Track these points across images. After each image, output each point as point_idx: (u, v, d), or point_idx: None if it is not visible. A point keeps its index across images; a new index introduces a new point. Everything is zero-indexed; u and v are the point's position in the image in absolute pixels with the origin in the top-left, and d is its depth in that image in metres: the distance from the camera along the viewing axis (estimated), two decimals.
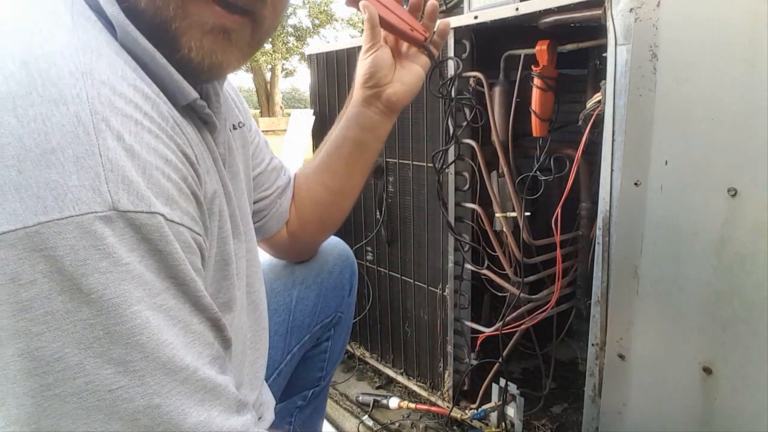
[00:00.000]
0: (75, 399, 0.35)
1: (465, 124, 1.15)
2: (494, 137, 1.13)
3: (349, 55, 1.41)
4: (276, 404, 0.79)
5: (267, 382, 0.80)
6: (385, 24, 0.77)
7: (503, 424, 1.21)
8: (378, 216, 1.42)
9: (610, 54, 0.85)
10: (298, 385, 0.96)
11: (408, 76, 0.81)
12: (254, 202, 0.77)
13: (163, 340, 0.37)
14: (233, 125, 0.63)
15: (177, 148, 0.43)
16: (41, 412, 0.34)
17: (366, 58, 0.77)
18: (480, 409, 1.24)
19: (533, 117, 1.06)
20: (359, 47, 1.36)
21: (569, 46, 1.02)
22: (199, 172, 0.46)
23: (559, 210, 1.01)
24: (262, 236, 0.84)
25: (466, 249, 1.23)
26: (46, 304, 0.34)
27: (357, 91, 0.80)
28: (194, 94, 0.49)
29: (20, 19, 0.39)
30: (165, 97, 0.45)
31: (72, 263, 0.34)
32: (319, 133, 1.59)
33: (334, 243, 1.00)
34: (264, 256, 0.85)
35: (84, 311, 0.35)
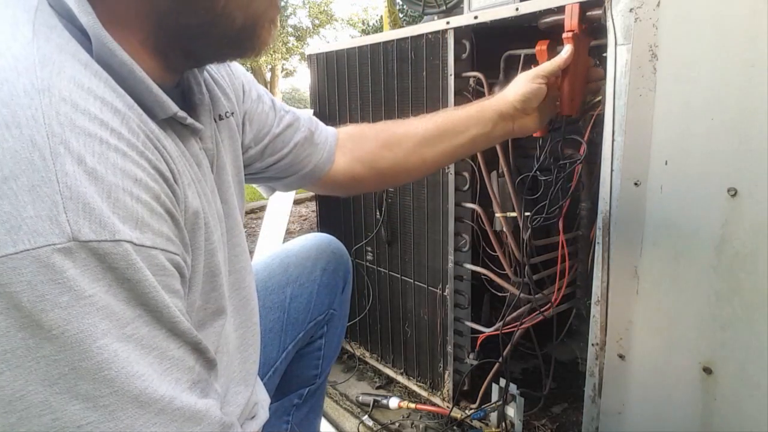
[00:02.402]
0: None
1: None
2: None
3: (349, 55, 1.41)
4: (271, 402, 0.79)
5: (263, 380, 0.80)
6: (565, 77, 0.89)
7: (503, 424, 1.21)
8: (378, 216, 1.42)
9: (610, 54, 0.85)
10: (293, 383, 0.96)
11: (540, 116, 0.89)
12: (273, 164, 0.77)
13: (133, 373, 0.36)
14: (219, 115, 0.61)
15: (149, 165, 0.40)
16: None
17: (535, 83, 0.84)
18: (480, 409, 1.24)
19: None
20: (359, 47, 1.37)
21: None
22: (176, 188, 0.44)
23: (564, 211, 1.01)
24: (301, 186, 0.84)
25: (466, 249, 1.23)
26: (4, 342, 0.32)
27: (504, 101, 0.85)
28: (173, 108, 0.47)
29: None
30: (140, 109, 0.43)
31: (29, 299, 0.32)
32: None
33: (327, 241, 1.00)
34: (257, 256, 0.85)
35: (46, 348, 0.33)
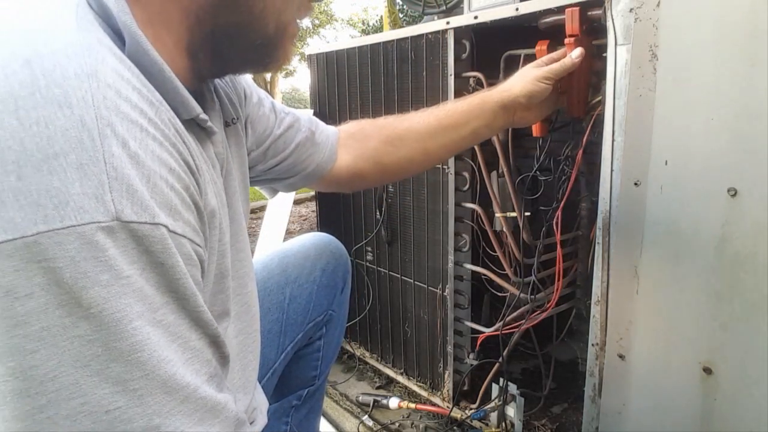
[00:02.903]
0: (69, 422, 0.33)
1: None
2: (494, 137, 1.13)
3: (349, 55, 1.41)
4: (270, 404, 0.78)
5: (261, 382, 0.80)
6: (572, 78, 0.91)
7: (503, 424, 1.21)
8: (378, 216, 1.42)
9: (610, 54, 0.85)
10: (292, 385, 0.96)
11: (541, 109, 0.92)
12: (275, 166, 0.78)
13: (163, 357, 0.36)
14: (226, 121, 0.62)
15: (180, 157, 0.42)
16: None
17: (543, 83, 0.85)
18: (480, 409, 1.24)
19: None
20: (359, 47, 1.37)
21: None
22: (201, 183, 0.45)
23: (559, 212, 1.01)
24: (305, 185, 0.86)
25: (465, 249, 1.23)
26: (42, 318, 0.32)
27: (507, 95, 0.85)
28: (198, 110, 0.48)
29: (24, 18, 0.38)
30: (167, 106, 0.44)
31: (72, 276, 0.33)
32: None
33: (327, 241, 0.99)
34: (256, 256, 0.85)
35: (82, 326, 0.33)
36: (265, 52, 0.54)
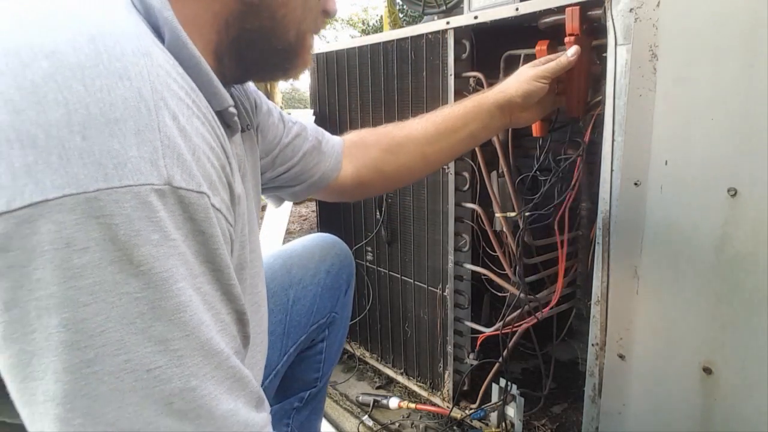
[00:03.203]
0: (113, 378, 0.34)
1: None
2: (494, 137, 1.13)
3: (349, 55, 1.41)
4: (272, 406, 0.78)
5: (264, 384, 0.80)
6: (572, 78, 0.91)
7: (503, 424, 1.21)
8: (378, 216, 1.42)
9: (610, 54, 0.85)
10: (294, 387, 0.96)
11: (538, 109, 0.92)
12: (282, 174, 0.80)
13: (203, 321, 0.38)
14: (242, 127, 0.64)
15: (217, 139, 0.44)
16: (77, 392, 0.34)
17: (539, 83, 0.86)
18: (480, 409, 1.24)
19: None
20: (359, 47, 1.37)
21: None
22: (233, 166, 0.47)
23: (561, 211, 1.01)
24: (310, 194, 0.88)
25: (465, 249, 1.23)
26: (96, 273, 0.34)
27: (503, 96, 0.86)
28: (230, 101, 0.50)
29: (84, 5, 0.40)
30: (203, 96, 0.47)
31: (126, 233, 0.34)
32: None
33: (332, 242, 0.99)
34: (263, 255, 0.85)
35: (132, 284, 0.35)
36: (286, 58, 0.57)
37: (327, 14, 0.60)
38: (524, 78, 0.86)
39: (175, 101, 0.39)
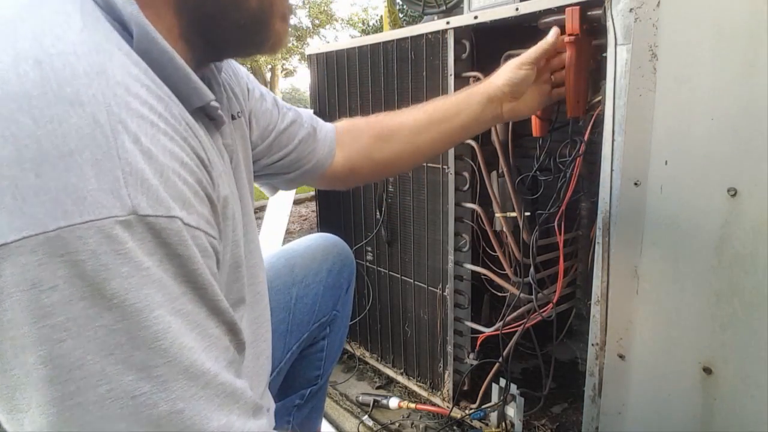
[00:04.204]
0: (97, 407, 0.34)
1: None
2: (494, 137, 1.13)
3: (349, 55, 1.41)
4: (275, 403, 0.79)
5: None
6: (569, 79, 0.90)
7: (503, 424, 1.21)
8: (378, 216, 1.42)
9: (610, 54, 0.85)
10: (295, 384, 0.96)
11: (531, 101, 0.90)
12: (278, 160, 0.79)
13: (185, 344, 0.37)
14: (232, 115, 0.63)
15: (191, 151, 0.42)
16: (64, 421, 0.34)
17: (522, 69, 0.85)
18: (480, 409, 1.24)
19: (533, 117, 1.06)
20: (359, 47, 1.37)
21: None
22: (213, 175, 0.46)
23: (561, 210, 1.01)
24: (304, 182, 0.87)
25: (466, 249, 1.23)
26: (67, 309, 0.33)
27: (492, 86, 0.86)
28: (210, 96, 0.49)
29: (30, 19, 0.38)
30: (177, 99, 0.44)
31: (93, 268, 0.34)
32: None
33: (333, 242, 1.00)
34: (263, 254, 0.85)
35: (106, 317, 0.34)
36: (254, 31, 0.53)
37: None
38: (509, 67, 0.86)
39: (137, 121, 0.37)
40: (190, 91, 0.46)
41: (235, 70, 0.70)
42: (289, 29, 0.56)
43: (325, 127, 0.86)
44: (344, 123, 0.90)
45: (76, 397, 0.34)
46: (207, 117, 0.51)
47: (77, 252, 0.33)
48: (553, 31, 0.87)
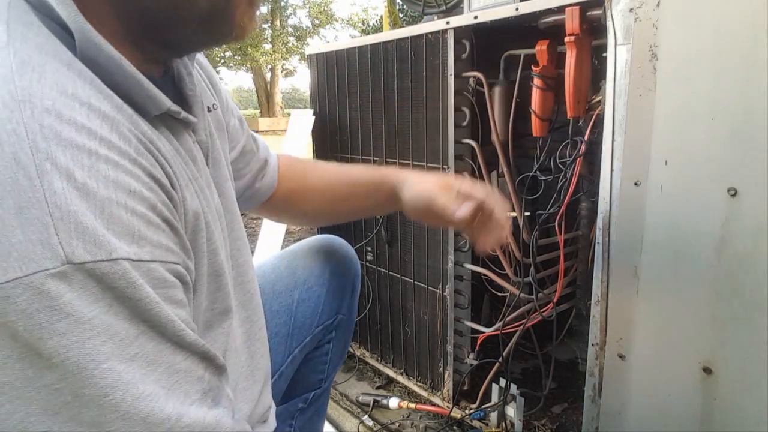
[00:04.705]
0: None
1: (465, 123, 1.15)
2: (494, 137, 1.13)
3: (349, 55, 1.41)
4: (277, 406, 0.78)
5: None
6: (570, 80, 0.93)
7: (503, 424, 1.21)
8: (378, 216, 1.42)
9: (610, 54, 0.85)
10: (299, 388, 0.95)
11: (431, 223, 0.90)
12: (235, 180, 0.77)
13: (139, 394, 0.35)
14: (207, 107, 0.59)
15: (143, 173, 0.38)
16: None
17: (429, 213, 0.75)
18: (480, 409, 1.24)
19: (533, 117, 1.06)
20: (359, 47, 1.36)
21: None
22: (174, 193, 0.42)
23: (561, 211, 1.01)
24: (243, 207, 0.85)
25: (465, 249, 1.23)
26: (3, 373, 0.31)
27: (399, 191, 0.79)
28: (167, 103, 0.45)
29: None
30: (130, 109, 0.41)
31: (26, 328, 0.31)
32: (319, 133, 1.59)
33: (338, 244, 0.98)
34: (257, 256, 0.85)
35: (47, 377, 0.32)
36: (211, 28, 0.46)
37: None
38: (423, 199, 0.75)
39: (70, 153, 0.33)
40: (144, 99, 0.42)
41: (207, 70, 0.66)
42: (257, 14, 0.49)
43: (273, 156, 0.85)
44: (285, 158, 0.88)
45: None
46: (172, 118, 0.48)
47: (6, 313, 0.31)
48: (465, 209, 0.71)
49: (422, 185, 0.77)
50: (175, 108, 0.46)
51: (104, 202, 0.34)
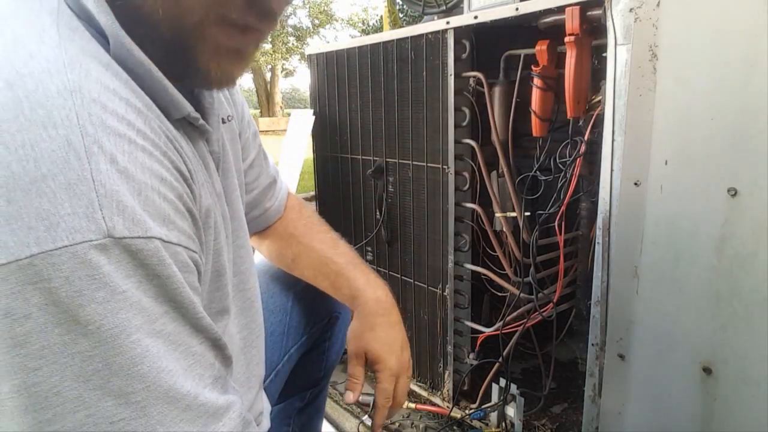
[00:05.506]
0: None
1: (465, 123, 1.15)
2: (494, 137, 1.13)
3: (349, 55, 1.41)
4: (274, 406, 0.78)
5: (264, 383, 0.80)
6: (570, 80, 0.94)
7: (503, 424, 1.21)
8: (378, 216, 1.42)
9: (610, 54, 0.85)
10: (296, 386, 0.96)
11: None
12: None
13: (163, 368, 0.37)
14: (222, 119, 0.62)
15: (171, 165, 0.41)
16: None
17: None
18: (480, 409, 1.24)
19: (533, 117, 1.06)
20: (359, 47, 1.37)
21: None
22: (194, 188, 0.45)
23: (561, 211, 1.01)
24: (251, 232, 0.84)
25: (466, 249, 1.23)
26: (42, 338, 0.33)
27: (352, 314, 0.83)
28: (188, 108, 0.47)
29: (0, 34, 0.37)
30: (158, 110, 0.43)
31: (68, 295, 0.33)
32: (319, 133, 1.59)
33: None
34: (258, 257, 0.85)
35: (82, 343, 0.34)
36: (177, 62, 0.45)
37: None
38: (356, 357, 0.86)
39: (114, 139, 0.36)
40: (167, 103, 0.45)
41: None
42: (240, 65, 0.48)
43: (282, 183, 0.85)
44: (295, 201, 0.89)
45: (53, 424, 0.33)
46: (190, 125, 0.50)
47: (50, 279, 0.33)
48: (348, 398, 0.86)
49: (352, 333, 0.84)
50: (195, 114, 0.49)
51: (141, 185, 0.37)
